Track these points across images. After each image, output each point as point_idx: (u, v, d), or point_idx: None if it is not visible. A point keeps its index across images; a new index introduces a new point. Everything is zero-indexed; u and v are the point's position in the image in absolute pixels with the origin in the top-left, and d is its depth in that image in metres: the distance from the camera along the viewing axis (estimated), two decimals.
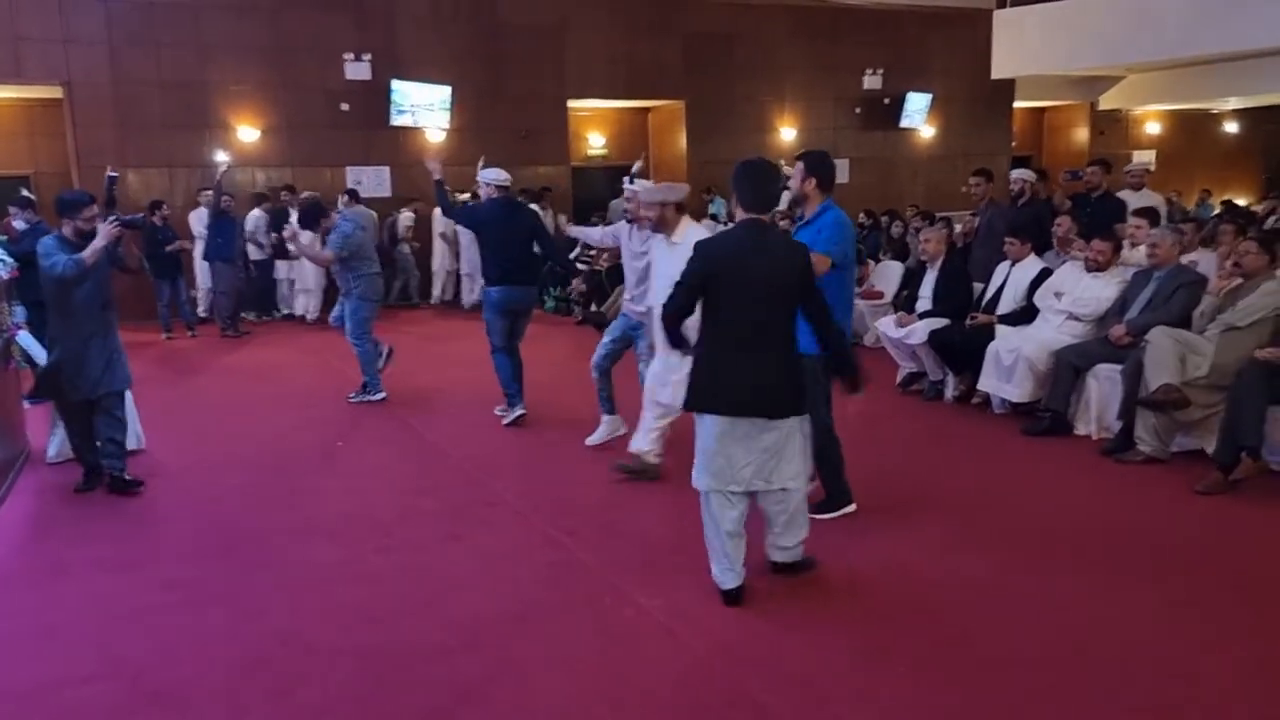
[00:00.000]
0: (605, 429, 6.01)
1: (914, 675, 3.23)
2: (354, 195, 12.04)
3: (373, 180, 13.35)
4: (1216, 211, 13.65)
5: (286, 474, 5.71)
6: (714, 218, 13.68)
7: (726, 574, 3.73)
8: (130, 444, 5.76)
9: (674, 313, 3.71)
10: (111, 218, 5.13)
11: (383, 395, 7.34)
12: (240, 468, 5.83)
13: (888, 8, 16.18)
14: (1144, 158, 19.46)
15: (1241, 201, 17.80)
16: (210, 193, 10.98)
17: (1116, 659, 3.28)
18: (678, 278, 3.72)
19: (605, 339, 5.98)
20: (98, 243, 4.92)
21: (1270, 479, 4.96)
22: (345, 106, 12.99)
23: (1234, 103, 19.60)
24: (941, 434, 6.33)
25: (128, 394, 5.47)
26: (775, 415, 3.62)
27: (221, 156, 12.02)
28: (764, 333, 3.60)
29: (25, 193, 9.37)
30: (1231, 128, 21.18)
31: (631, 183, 5.69)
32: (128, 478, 5.27)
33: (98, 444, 5.28)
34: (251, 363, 9.52)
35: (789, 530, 3.87)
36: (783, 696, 3.12)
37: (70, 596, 4.03)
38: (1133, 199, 7.94)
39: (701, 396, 3.67)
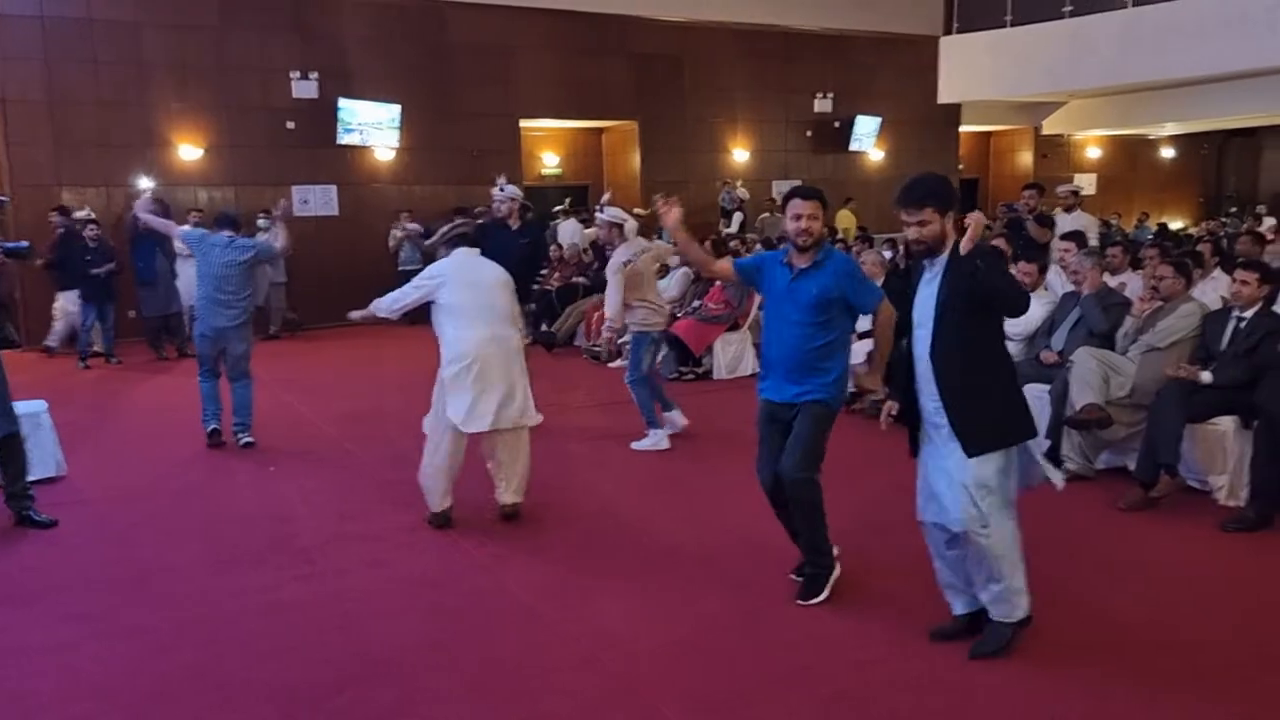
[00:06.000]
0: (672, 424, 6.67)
1: (829, 698, 3.22)
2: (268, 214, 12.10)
3: (320, 199, 13.22)
4: (1153, 234, 13.98)
5: (211, 501, 5.59)
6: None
7: None
8: (49, 470, 5.62)
9: None
10: None
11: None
12: (161, 495, 5.70)
13: (837, 32, 16.42)
14: (1085, 181, 19.91)
15: (1178, 224, 18.27)
16: (198, 213, 11.08)
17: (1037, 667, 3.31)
18: None
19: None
20: None
21: (1188, 495, 5.06)
22: (291, 125, 12.87)
23: (1170, 128, 20.15)
24: (878, 455, 6.35)
25: (45, 418, 5.33)
26: None
27: (145, 182, 11.81)
28: None
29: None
30: (1168, 153, 21.76)
31: (602, 211, 6.37)
32: (38, 517, 5.07)
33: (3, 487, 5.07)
34: (184, 387, 9.32)
35: None
36: None
37: None
38: (1064, 221, 8.10)
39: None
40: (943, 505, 3.38)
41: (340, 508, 5.36)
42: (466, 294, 4.81)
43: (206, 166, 12.52)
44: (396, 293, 4.98)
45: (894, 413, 3.55)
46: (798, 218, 3.79)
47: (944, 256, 3.30)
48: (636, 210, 14.37)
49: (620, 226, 6.29)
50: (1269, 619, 3.76)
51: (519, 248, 6.52)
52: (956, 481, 3.31)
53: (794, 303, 3.84)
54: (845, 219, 15.75)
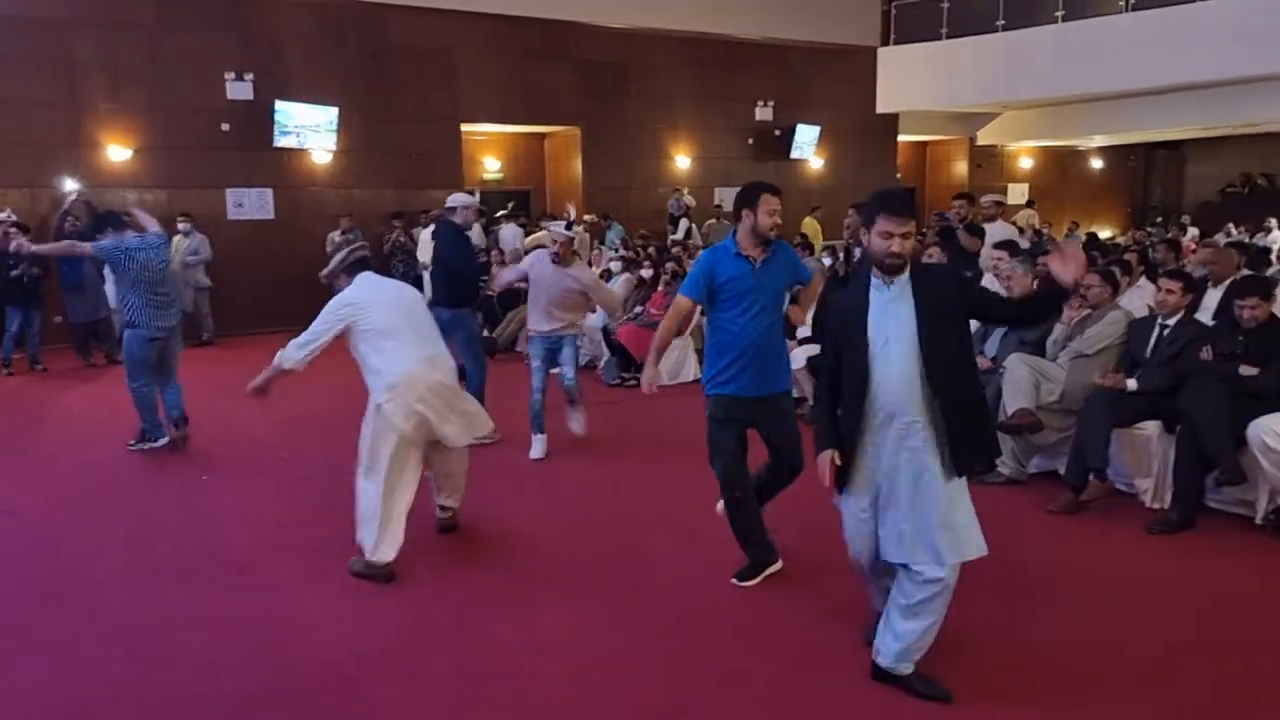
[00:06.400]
0: (540, 446, 6.49)
1: (767, 698, 3.25)
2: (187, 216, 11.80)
3: (255, 203, 12.97)
4: (1083, 243, 14.36)
5: (141, 511, 5.44)
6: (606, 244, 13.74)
7: None
8: None
9: None
10: None
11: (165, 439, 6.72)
12: (89, 505, 5.53)
13: (777, 42, 16.60)
14: (1018, 191, 20.43)
15: (1106, 233, 18.79)
16: (127, 216, 10.61)
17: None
18: None
19: (536, 363, 6.43)
20: None
21: (1116, 498, 5.20)
22: (226, 127, 12.60)
23: (1099, 140, 20.76)
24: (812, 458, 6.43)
25: None
26: None
27: (70, 184, 11.48)
28: None
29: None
30: (1097, 164, 22.41)
31: (569, 227, 6.52)
32: None
33: None
34: (112, 394, 9.07)
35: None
36: None
37: None
38: (989, 230, 8.27)
39: None
40: (919, 544, 3.10)
41: (276, 517, 5.25)
42: (396, 316, 4.46)
43: (137, 168, 12.19)
44: (305, 334, 4.40)
45: (838, 461, 3.22)
46: (772, 213, 4.00)
47: (905, 275, 3.11)
48: (587, 217, 14.37)
49: (573, 241, 6.46)
50: (1196, 621, 3.88)
51: (476, 252, 6.70)
52: (946, 514, 3.08)
53: (761, 292, 4.04)
54: (810, 226, 15.82)
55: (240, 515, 5.32)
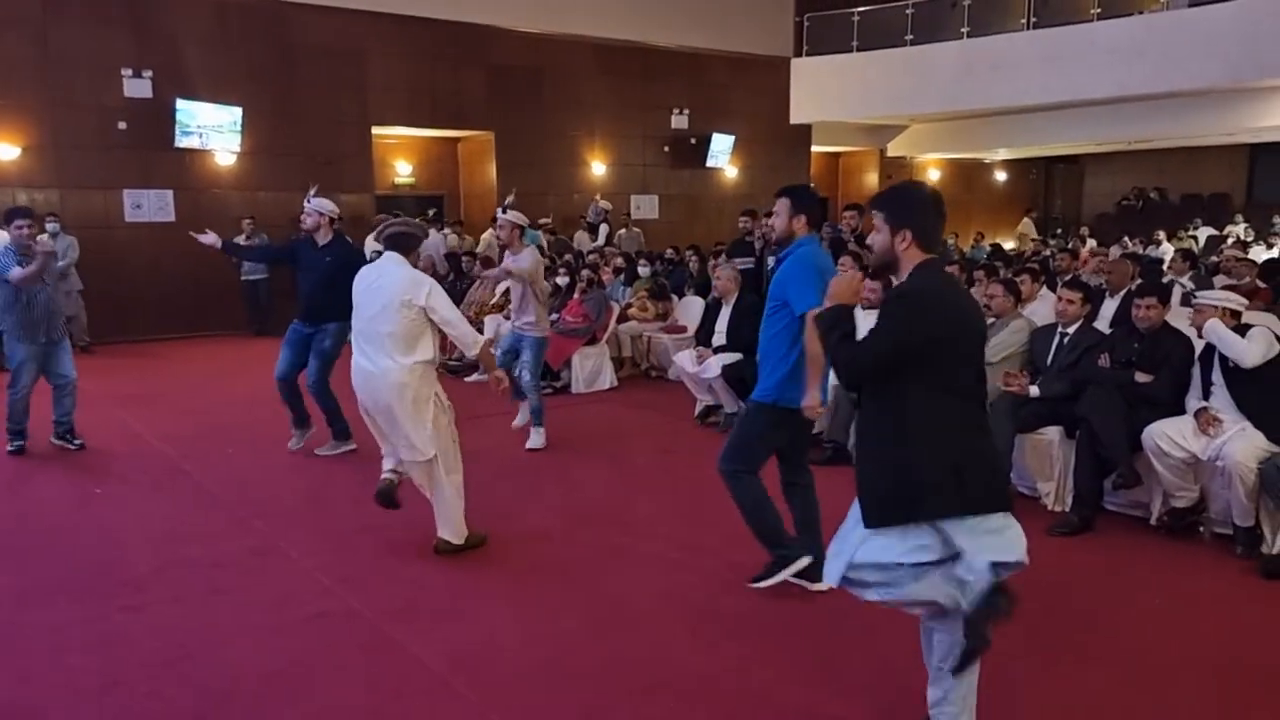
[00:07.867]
0: (523, 417, 6.92)
1: (684, 708, 3.24)
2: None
3: (154, 204, 12.49)
4: (988, 253, 14.82)
5: (29, 527, 5.16)
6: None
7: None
8: None
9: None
10: None
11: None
12: None
13: (692, 51, 16.74)
14: None
15: (1010, 244, 19.43)
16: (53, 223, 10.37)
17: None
18: None
19: (498, 353, 6.45)
20: None
21: (1020, 501, 5.33)
22: (123, 125, 12.12)
23: (1003, 153, 21.47)
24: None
25: None
26: None
27: None
28: None
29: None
30: (1001, 176, 23.18)
31: (505, 212, 6.46)
32: None
33: None
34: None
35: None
36: None
37: None
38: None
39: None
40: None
41: (175, 531, 5.04)
42: (357, 313, 4.52)
43: (27, 167, 11.63)
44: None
45: None
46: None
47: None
48: (542, 221, 14.19)
49: (522, 229, 6.56)
50: (1100, 617, 4.00)
51: (323, 265, 6.16)
52: None
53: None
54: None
55: (137, 530, 5.08)
